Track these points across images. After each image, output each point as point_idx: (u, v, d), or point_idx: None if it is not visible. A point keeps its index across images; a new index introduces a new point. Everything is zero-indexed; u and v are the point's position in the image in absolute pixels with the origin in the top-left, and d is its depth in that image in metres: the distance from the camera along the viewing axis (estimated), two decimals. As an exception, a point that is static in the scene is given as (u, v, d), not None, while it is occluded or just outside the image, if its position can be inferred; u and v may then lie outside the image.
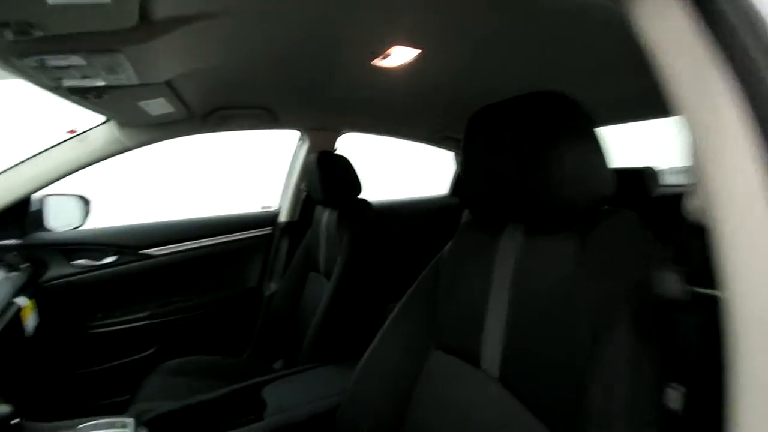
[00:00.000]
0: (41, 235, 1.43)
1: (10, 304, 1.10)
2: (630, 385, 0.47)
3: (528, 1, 0.76)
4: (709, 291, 0.41)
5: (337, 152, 1.75)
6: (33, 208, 1.42)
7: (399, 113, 1.74)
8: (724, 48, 0.36)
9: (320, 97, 1.46)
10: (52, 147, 1.30)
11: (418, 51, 1.01)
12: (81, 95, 0.92)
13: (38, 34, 0.57)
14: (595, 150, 0.56)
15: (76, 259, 1.49)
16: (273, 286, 1.78)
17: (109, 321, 1.51)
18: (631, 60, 1.06)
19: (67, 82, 0.80)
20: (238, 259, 1.78)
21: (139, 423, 0.89)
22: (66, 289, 1.44)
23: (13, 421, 0.70)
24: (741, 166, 0.35)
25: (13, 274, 1.21)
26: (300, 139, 1.84)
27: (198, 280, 1.70)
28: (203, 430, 0.98)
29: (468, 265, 0.72)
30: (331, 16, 0.82)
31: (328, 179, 1.36)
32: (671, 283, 0.42)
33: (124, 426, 0.85)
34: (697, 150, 0.38)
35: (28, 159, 1.29)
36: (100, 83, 0.85)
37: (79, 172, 1.36)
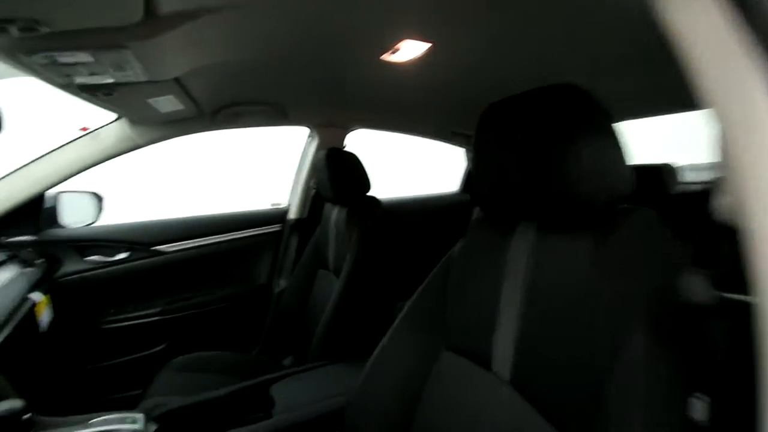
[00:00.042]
0: (55, 232, 1.45)
1: (25, 299, 1.11)
2: (649, 393, 0.45)
3: None
4: (738, 296, 0.39)
5: (346, 149, 1.74)
6: (47, 205, 1.44)
7: (409, 109, 1.71)
8: (762, 40, 0.34)
9: (329, 93, 1.44)
10: (64, 144, 1.32)
11: (429, 45, 0.99)
12: (91, 93, 0.92)
13: (44, 30, 0.57)
14: (614, 145, 0.54)
15: (89, 255, 1.51)
16: (282, 283, 1.78)
17: (121, 317, 1.54)
18: (650, 53, 1.03)
19: (76, 80, 0.80)
20: (247, 256, 1.79)
21: (149, 418, 0.90)
22: (79, 284, 1.46)
23: (24, 416, 0.70)
24: None
25: (28, 269, 1.23)
26: (309, 136, 1.83)
27: (208, 277, 1.71)
28: (212, 426, 0.98)
29: (479, 264, 0.70)
30: (339, 10, 0.80)
31: (337, 176, 1.35)
32: (697, 287, 0.39)
33: (134, 421, 0.86)
34: (728, 145, 0.36)
35: (42, 156, 1.31)
36: (109, 80, 0.85)
37: (91, 169, 1.38)
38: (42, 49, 0.64)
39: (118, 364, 1.52)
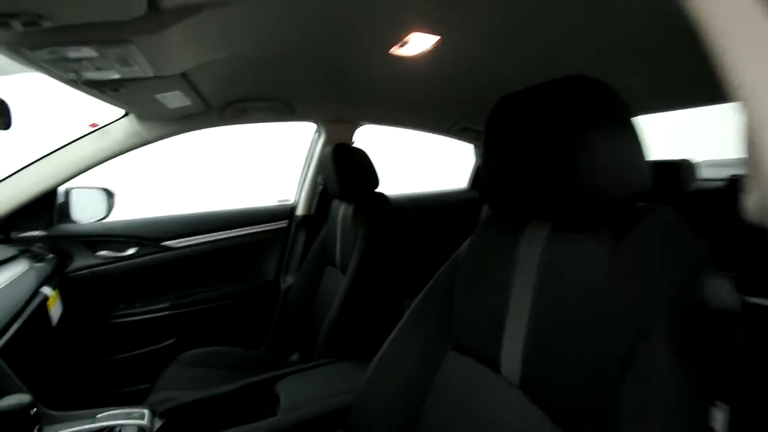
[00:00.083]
0: (66, 227, 1.47)
1: (35, 294, 1.13)
2: (665, 399, 0.43)
3: None
4: (763, 300, 0.36)
5: (354, 145, 1.73)
6: (59, 200, 1.46)
7: (417, 104, 1.69)
8: None
9: (337, 88, 1.43)
10: (74, 141, 1.33)
11: (437, 38, 0.97)
12: (98, 88, 0.92)
13: (47, 24, 0.56)
14: (632, 140, 0.51)
15: (99, 251, 1.53)
16: (289, 280, 1.79)
17: (130, 311, 1.55)
18: (668, 44, 0.99)
19: (82, 75, 0.80)
20: (255, 252, 1.79)
21: (155, 414, 0.91)
22: (90, 279, 1.48)
23: (32, 411, 0.71)
24: None
25: (39, 264, 1.24)
26: (316, 132, 1.82)
27: (217, 273, 1.72)
28: (217, 422, 0.98)
29: (487, 263, 0.68)
30: (346, 2, 0.78)
31: (344, 172, 1.33)
32: (720, 291, 0.37)
33: (140, 416, 0.87)
34: (756, 141, 0.33)
35: (51, 153, 1.32)
36: (115, 76, 0.85)
37: (101, 165, 1.40)
38: (46, 44, 0.64)
39: (127, 358, 1.54)
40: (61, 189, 1.44)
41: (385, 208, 1.35)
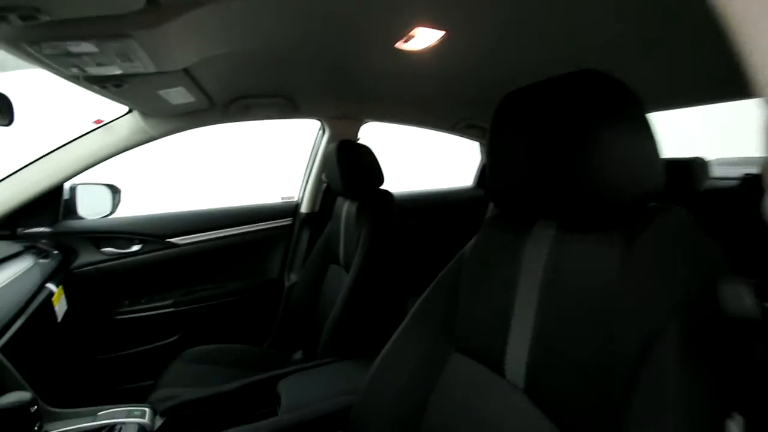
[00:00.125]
0: (71, 223, 1.48)
1: (40, 290, 1.13)
2: (677, 407, 0.41)
3: None
4: None
5: (359, 142, 1.71)
6: (65, 196, 1.46)
7: (423, 100, 1.67)
8: None
9: (341, 85, 1.41)
10: (79, 137, 1.33)
11: (443, 33, 0.95)
12: (100, 84, 0.92)
13: (45, 18, 0.56)
14: (646, 137, 0.49)
15: (104, 247, 1.53)
16: (293, 278, 1.78)
17: (134, 308, 1.56)
18: (680, 40, 0.96)
19: (84, 71, 0.79)
20: (259, 249, 1.79)
21: (156, 412, 0.90)
22: (95, 276, 1.49)
23: (32, 408, 0.71)
24: None
25: (44, 260, 1.25)
26: (320, 129, 1.81)
27: (221, 270, 1.72)
28: (219, 420, 0.98)
29: (492, 264, 0.66)
30: None
31: (347, 169, 1.32)
32: (739, 298, 0.35)
33: (141, 414, 0.87)
34: None
35: (57, 149, 1.32)
36: (117, 71, 0.84)
37: (107, 161, 1.40)
38: (45, 38, 0.63)
39: (131, 355, 1.54)
40: (67, 185, 1.45)
41: (389, 205, 1.33)
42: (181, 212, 1.70)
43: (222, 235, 1.70)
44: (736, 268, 0.47)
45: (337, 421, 0.85)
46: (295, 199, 1.87)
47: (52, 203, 1.41)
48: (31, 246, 1.28)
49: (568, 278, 0.54)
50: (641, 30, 0.92)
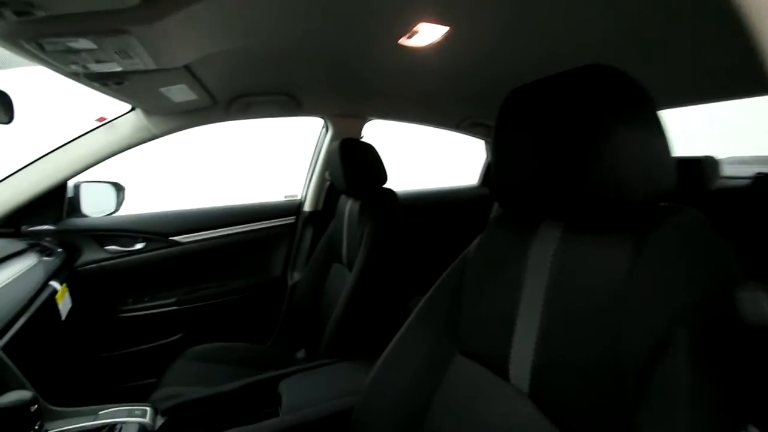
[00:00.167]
0: (75, 221, 1.48)
1: (44, 287, 1.13)
2: (689, 417, 0.39)
3: None
4: None
5: (362, 140, 1.70)
6: (69, 194, 1.47)
7: (427, 98, 1.65)
8: None
9: (344, 82, 1.40)
10: (82, 135, 1.33)
11: (447, 28, 0.93)
12: (101, 82, 0.91)
13: (40, 14, 0.55)
14: (657, 134, 0.47)
15: (108, 245, 1.53)
16: (296, 276, 1.77)
17: (138, 306, 1.56)
18: (692, 35, 0.93)
19: (83, 68, 0.78)
20: (263, 247, 1.78)
21: (157, 411, 0.90)
22: (98, 274, 1.49)
23: (33, 407, 0.70)
24: None
25: (48, 258, 1.25)
26: (323, 127, 1.79)
27: (224, 268, 1.72)
28: (219, 420, 0.97)
29: (497, 264, 0.65)
30: None
31: (350, 168, 1.31)
32: (757, 305, 0.33)
33: (142, 414, 0.86)
34: None
35: (61, 147, 1.32)
36: (117, 68, 0.83)
37: (110, 159, 1.40)
38: (42, 35, 0.62)
39: (134, 353, 1.54)
40: (71, 183, 1.45)
41: (392, 204, 1.32)
42: (184, 210, 1.70)
43: (225, 233, 1.70)
44: (748, 269, 0.45)
45: (338, 423, 0.84)
46: (299, 197, 1.86)
47: (56, 201, 1.42)
48: (35, 244, 1.28)
49: (576, 279, 0.52)
50: (649, 26, 0.90)
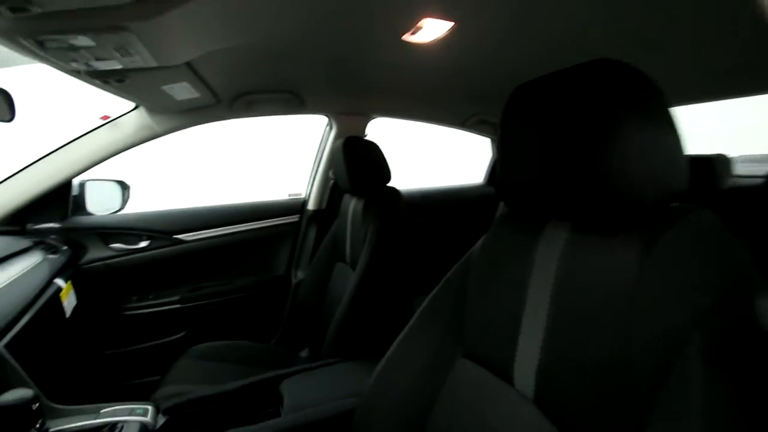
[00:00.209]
0: (80, 219, 1.49)
1: (48, 285, 1.14)
2: (702, 420, 0.38)
3: None
4: None
5: (366, 138, 1.68)
6: (74, 192, 1.47)
7: (432, 95, 1.63)
8: None
9: (347, 79, 1.38)
10: (86, 133, 1.33)
11: (452, 24, 0.91)
12: (102, 79, 0.91)
13: (36, 10, 0.54)
14: (670, 132, 0.45)
15: (113, 243, 1.54)
16: (300, 275, 1.77)
17: (142, 303, 1.56)
18: (704, 30, 0.91)
19: (83, 65, 0.78)
20: (266, 246, 1.78)
21: (159, 410, 0.90)
22: (103, 271, 1.50)
23: (34, 406, 0.70)
24: None
25: (53, 256, 1.26)
26: (327, 125, 1.78)
27: (228, 266, 1.72)
28: (221, 419, 0.97)
29: (502, 265, 0.63)
30: None
31: (354, 166, 1.29)
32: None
33: (144, 413, 0.86)
34: None
35: (65, 145, 1.33)
36: (117, 66, 0.83)
37: (114, 158, 1.40)
38: (40, 31, 0.62)
39: (138, 350, 1.55)
40: (76, 181, 1.46)
41: (396, 203, 1.30)
42: (188, 209, 1.70)
43: (229, 231, 1.70)
44: (763, 269, 0.43)
45: (339, 424, 0.83)
46: (303, 195, 1.86)
47: (61, 199, 1.42)
48: (40, 241, 1.29)
49: (584, 280, 0.51)
50: (660, 20, 0.87)
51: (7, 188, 1.27)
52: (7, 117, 0.85)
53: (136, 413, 0.85)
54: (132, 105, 1.34)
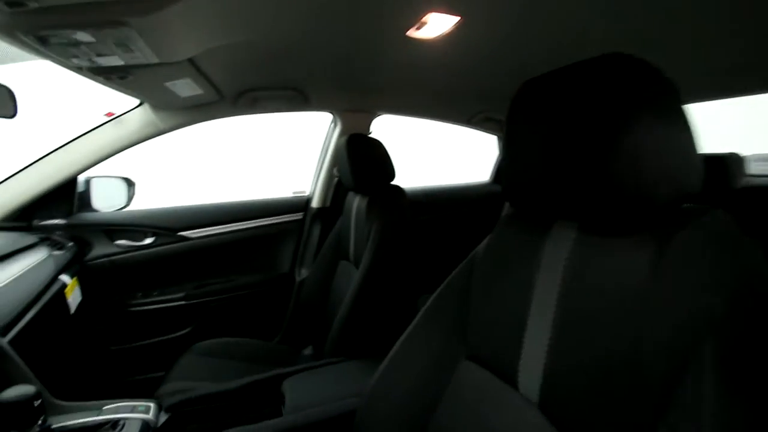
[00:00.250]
0: (86, 216, 1.49)
1: (54, 281, 1.14)
2: (716, 426, 0.36)
3: None
4: None
5: (371, 135, 1.67)
6: (79, 189, 1.48)
7: (438, 92, 1.61)
8: None
9: (352, 76, 1.37)
10: (91, 130, 1.34)
11: (457, 18, 0.89)
12: (104, 75, 0.90)
13: (33, 5, 0.53)
14: (683, 130, 0.43)
15: (118, 240, 1.55)
16: (304, 272, 1.77)
17: (147, 300, 1.57)
18: (715, 26, 0.88)
19: (85, 61, 0.78)
20: (271, 243, 1.78)
21: (161, 408, 0.90)
22: (108, 268, 1.50)
23: (36, 402, 0.70)
24: None
25: (58, 252, 1.26)
26: (332, 122, 1.77)
27: (232, 264, 1.72)
28: (223, 417, 0.97)
29: (507, 265, 0.61)
30: None
31: (358, 164, 1.28)
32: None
33: (146, 410, 0.86)
34: None
35: (70, 142, 1.33)
36: (119, 62, 0.82)
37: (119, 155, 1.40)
38: (39, 27, 0.61)
39: (143, 346, 1.56)
40: (82, 178, 1.46)
41: (400, 201, 1.29)
42: (193, 206, 1.70)
43: (233, 229, 1.70)
44: None
45: (341, 424, 0.82)
46: (307, 193, 1.85)
47: (67, 196, 1.43)
48: (45, 238, 1.29)
49: (592, 281, 0.49)
50: (671, 13, 0.85)
51: (13, 185, 1.28)
52: (10, 113, 0.85)
53: (138, 410, 0.85)
54: (136, 102, 1.34)
